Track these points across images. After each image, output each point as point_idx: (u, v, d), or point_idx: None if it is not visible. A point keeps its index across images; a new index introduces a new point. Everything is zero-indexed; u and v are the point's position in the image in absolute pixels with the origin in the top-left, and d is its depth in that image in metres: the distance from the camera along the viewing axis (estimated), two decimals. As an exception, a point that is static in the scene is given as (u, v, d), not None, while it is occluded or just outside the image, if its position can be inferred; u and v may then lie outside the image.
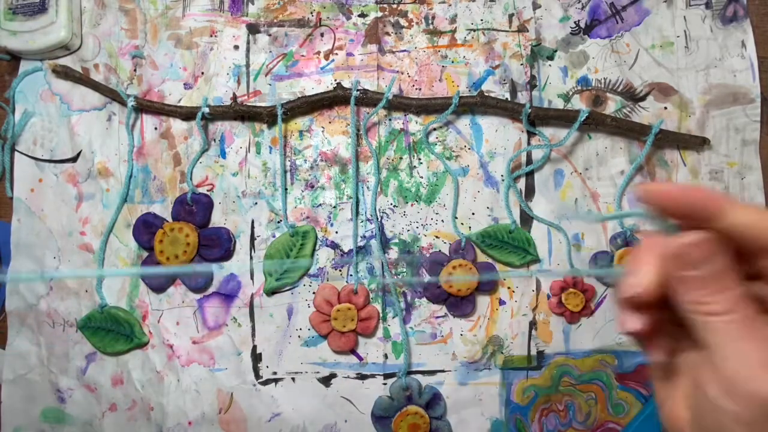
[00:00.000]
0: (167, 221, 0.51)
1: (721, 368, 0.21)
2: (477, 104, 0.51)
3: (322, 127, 0.53)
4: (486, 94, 0.52)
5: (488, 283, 0.51)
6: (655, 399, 0.28)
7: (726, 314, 0.22)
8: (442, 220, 0.52)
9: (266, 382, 0.51)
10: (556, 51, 0.53)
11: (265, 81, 0.53)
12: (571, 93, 0.53)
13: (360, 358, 0.51)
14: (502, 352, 0.51)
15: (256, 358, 0.51)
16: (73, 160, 0.53)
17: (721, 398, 0.21)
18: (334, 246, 0.52)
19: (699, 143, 0.52)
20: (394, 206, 0.52)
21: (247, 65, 0.53)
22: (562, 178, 0.52)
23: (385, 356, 0.51)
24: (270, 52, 0.53)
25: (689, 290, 0.22)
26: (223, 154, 0.53)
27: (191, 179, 0.52)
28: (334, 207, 0.52)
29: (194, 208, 0.51)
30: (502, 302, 0.52)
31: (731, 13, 0.53)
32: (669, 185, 0.24)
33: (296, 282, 0.52)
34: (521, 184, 0.52)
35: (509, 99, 0.52)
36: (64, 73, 0.52)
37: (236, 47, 0.53)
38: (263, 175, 0.52)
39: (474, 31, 0.53)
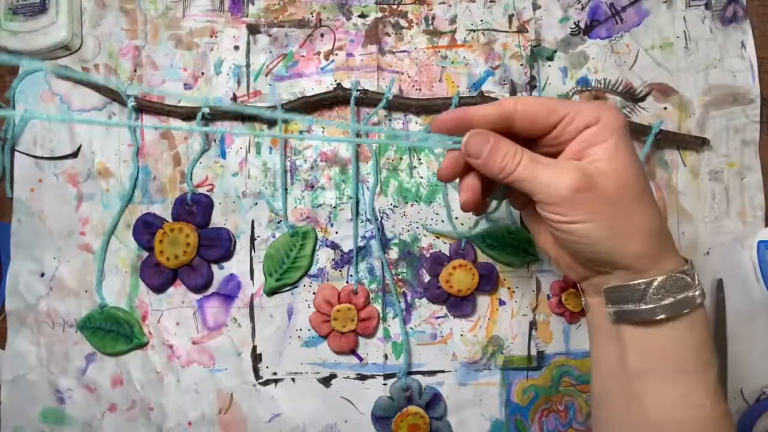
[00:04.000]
0: (167, 221, 0.51)
1: (537, 193, 0.33)
2: (477, 105, 0.51)
3: (322, 128, 0.53)
4: (486, 94, 0.52)
5: (488, 284, 0.51)
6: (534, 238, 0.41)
7: (519, 165, 0.33)
8: (442, 221, 0.52)
9: (266, 383, 0.51)
10: (555, 51, 0.53)
11: (265, 81, 0.53)
12: (570, 93, 0.53)
13: (360, 359, 0.51)
14: (502, 353, 0.51)
15: (256, 358, 0.51)
16: (74, 155, 0.53)
17: (549, 214, 0.33)
18: (334, 246, 0.52)
19: (699, 143, 0.52)
20: (394, 206, 0.52)
21: (248, 65, 0.53)
22: (562, 179, 0.52)
23: (385, 357, 0.51)
24: (270, 52, 0.53)
25: (489, 166, 0.34)
26: (223, 155, 0.53)
27: (191, 179, 0.52)
28: (334, 207, 0.52)
29: (194, 208, 0.51)
30: (502, 302, 0.52)
31: (731, 13, 0.53)
32: (443, 115, 0.35)
33: (296, 282, 0.51)
34: (521, 184, 0.52)
35: (509, 99, 0.52)
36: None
37: (236, 48, 0.53)
38: (263, 176, 0.52)
39: (474, 31, 0.54)
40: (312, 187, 0.52)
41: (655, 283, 0.33)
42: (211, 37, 0.54)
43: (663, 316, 0.33)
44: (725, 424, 0.34)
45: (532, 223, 0.40)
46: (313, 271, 0.52)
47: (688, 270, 0.34)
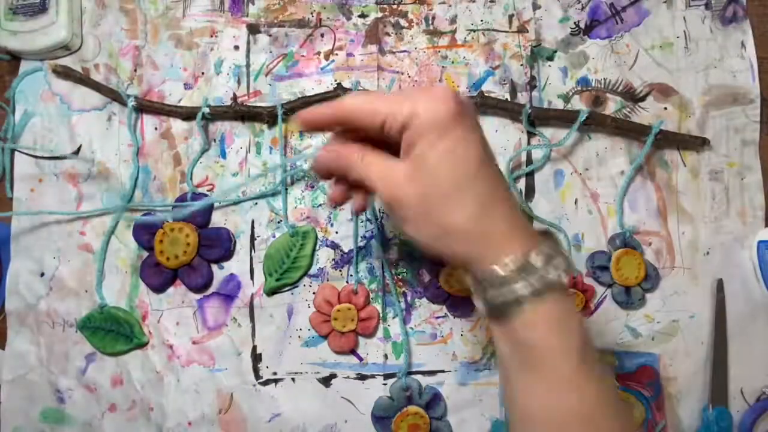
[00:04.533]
0: (167, 221, 0.51)
1: (375, 187, 0.34)
2: (477, 104, 0.51)
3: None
4: (486, 94, 0.52)
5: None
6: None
7: (359, 162, 0.34)
8: (442, 221, 0.52)
9: (266, 383, 0.51)
10: (555, 51, 0.53)
11: (265, 81, 0.53)
12: (571, 93, 0.53)
13: (360, 359, 0.51)
14: (502, 353, 0.51)
15: (256, 358, 0.51)
16: (74, 155, 0.52)
17: (384, 202, 0.34)
18: (334, 246, 0.52)
19: (699, 143, 0.52)
20: (394, 206, 0.52)
21: (248, 65, 0.53)
22: (562, 179, 0.52)
23: (385, 356, 0.51)
24: (270, 52, 0.53)
25: (336, 168, 0.36)
26: (223, 155, 0.53)
27: (191, 179, 0.52)
28: (335, 207, 0.52)
29: (194, 208, 0.51)
30: (502, 302, 0.52)
31: (731, 13, 0.53)
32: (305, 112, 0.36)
33: (296, 282, 0.51)
34: (521, 184, 0.52)
35: (509, 99, 0.52)
36: (65, 74, 0.52)
37: (236, 47, 0.53)
38: (263, 176, 0.52)
39: (474, 31, 0.54)
40: (312, 187, 0.52)
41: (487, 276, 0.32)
42: (211, 37, 0.54)
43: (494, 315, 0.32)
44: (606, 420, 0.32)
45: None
46: (313, 271, 0.52)
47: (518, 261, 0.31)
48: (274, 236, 0.52)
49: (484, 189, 0.32)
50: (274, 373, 0.51)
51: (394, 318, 0.51)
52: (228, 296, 0.52)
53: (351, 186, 0.38)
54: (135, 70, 0.53)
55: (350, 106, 0.34)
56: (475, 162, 0.32)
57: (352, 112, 0.34)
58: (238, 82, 0.53)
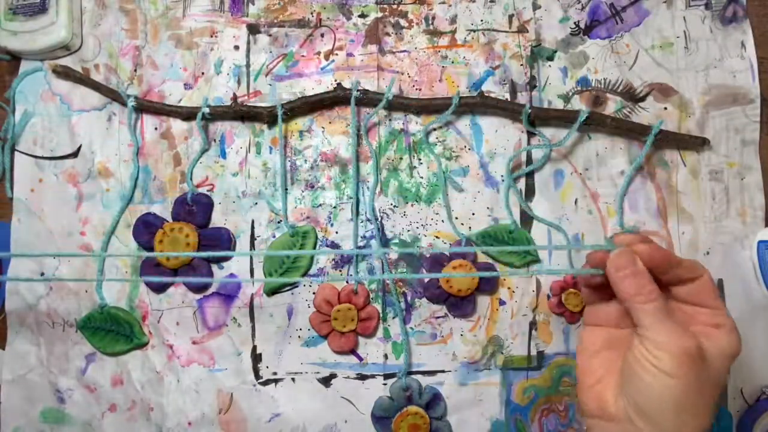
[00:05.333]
0: (167, 221, 0.51)
1: (650, 335, 0.33)
2: (477, 105, 0.51)
3: (323, 128, 0.53)
4: (486, 94, 0.52)
5: (488, 284, 0.51)
6: (578, 387, 0.37)
7: (650, 302, 0.33)
8: (442, 221, 0.52)
9: (266, 383, 0.51)
10: (555, 51, 0.53)
11: (265, 81, 0.53)
12: (570, 93, 0.53)
13: (360, 359, 0.51)
14: (502, 353, 0.51)
15: (256, 358, 0.51)
16: (74, 155, 0.53)
17: (648, 354, 0.33)
18: (334, 246, 0.52)
19: (699, 144, 0.52)
20: (394, 206, 0.52)
21: (248, 65, 0.53)
22: (562, 179, 0.52)
23: (385, 356, 0.51)
24: (270, 52, 0.53)
25: (623, 284, 0.34)
26: (223, 154, 0.53)
27: (191, 179, 0.52)
28: (334, 207, 0.52)
29: (194, 208, 0.51)
30: (502, 302, 0.52)
31: (731, 13, 0.53)
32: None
33: (296, 282, 0.51)
34: (521, 184, 0.53)
35: (509, 99, 0.52)
36: (65, 74, 0.52)
37: (236, 47, 0.53)
38: (263, 175, 0.52)
39: (474, 31, 0.54)
40: (312, 187, 0.52)
41: None
42: (211, 37, 0.54)
43: None
44: None
45: (594, 326, 0.38)
46: (313, 271, 0.52)
47: None
48: (274, 236, 0.52)
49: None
50: (274, 373, 0.51)
51: (394, 318, 0.51)
52: (228, 296, 0.52)
53: (597, 288, 0.37)
54: (135, 70, 0.53)
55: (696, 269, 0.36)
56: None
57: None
58: (238, 82, 0.53)
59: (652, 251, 0.35)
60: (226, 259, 0.52)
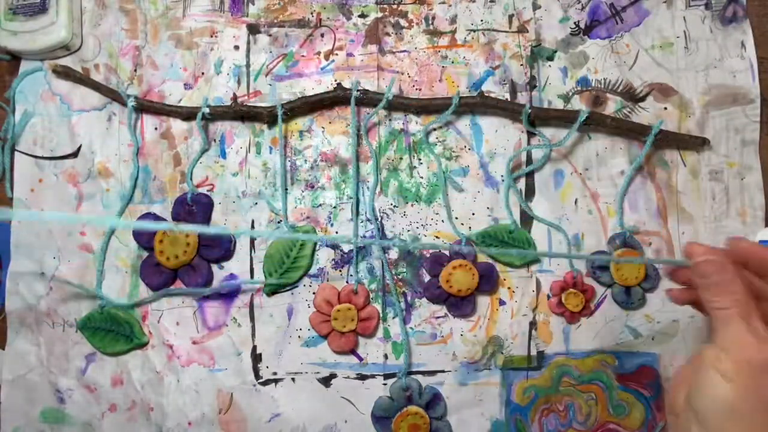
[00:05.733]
0: (167, 221, 0.51)
1: (718, 336, 0.33)
2: (477, 105, 0.51)
3: (323, 128, 0.53)
4: (486, 94, 0.52)
5: (488, 284, 0.51)
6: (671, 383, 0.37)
7: (726, 309, 0.33)
8: (442, 220, 0.52)
9: (266, 383, 0.51)
10: (555, 51, 0.53)
11: (265, 81, 0.53)
12: (570, 93, 0.53)
13: (360, 359, 0.51)
14: (502, 353, 0.51)
15: (256, 358, 0.51)
16: (74, 155, 0.53)
17: (712, 354, 0.32)
18: (334, 246, 0.52)
19: (699, 143, 0.52)
20: (394, 206, 0.52)
21: (248, 65, 0.53)
22: (562, 179, 0.52)
23: (385, 356, 0.51)
24: (270, 52, 0.53)
25: (703, 290, 0.34)
26: (223, 154, 0.53)
27: (191, 179, 0.52)
28: (334, 207, 0.52)
29: (194, 208, 0.51)
30: (502, 302, 0.52)
31: (731, 13, 0.53)
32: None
33: (296, 282, 0.51)
34: (521, 184, 0.53)
35: (509, 99, 0.52)
36: (65, 73, 0.52)
37: (236, 47, 0.53)
38: (263, 175, 0.52)
39: (474, 31, 0.54)
40: (312, 187, 0.52)
41: None
42: (211, 37, 0.54)
43: None
44: None
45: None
46: (313, 271, 0.52)
47: None
48: (274, 236, 0.52)
49: None
50: (274, 373, 0.51)
51: (394, 318, 0.51)
52: (228, 296, 0.52)
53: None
54: (135, 70, 0.53)
55: None
56: None
57: None
58: (238, 82, 0.53)
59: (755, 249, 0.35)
60: (226, 259, 0.52)
